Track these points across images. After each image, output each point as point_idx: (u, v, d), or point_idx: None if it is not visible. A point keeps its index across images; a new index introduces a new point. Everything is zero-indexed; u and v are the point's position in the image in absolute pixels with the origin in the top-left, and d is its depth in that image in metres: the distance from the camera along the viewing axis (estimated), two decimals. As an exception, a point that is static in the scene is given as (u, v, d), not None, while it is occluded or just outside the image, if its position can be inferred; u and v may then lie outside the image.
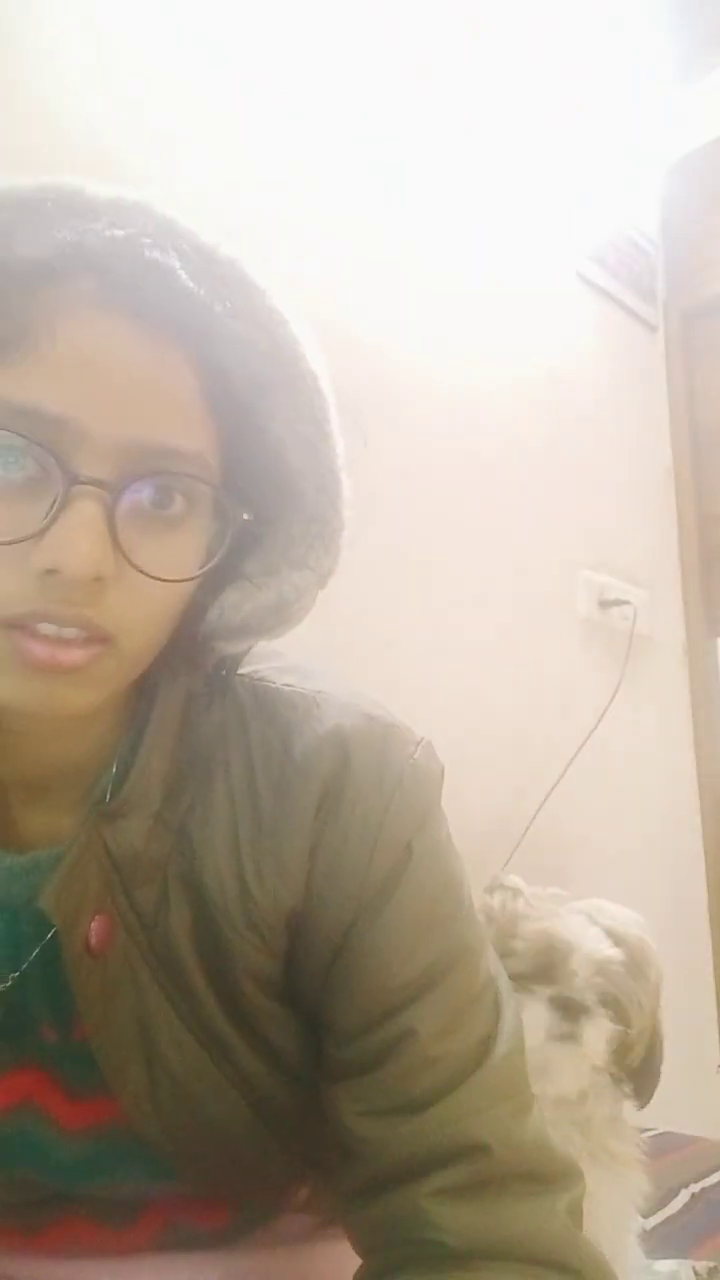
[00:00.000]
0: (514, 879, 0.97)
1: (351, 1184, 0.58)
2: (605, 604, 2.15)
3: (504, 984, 0.63)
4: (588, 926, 0.92)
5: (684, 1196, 1.23)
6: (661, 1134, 1.47)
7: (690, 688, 2.39)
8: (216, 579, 0.56)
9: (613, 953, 0.90)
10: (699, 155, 2.56)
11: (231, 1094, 0.60)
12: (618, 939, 0.92)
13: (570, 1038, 0.88)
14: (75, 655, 0.47)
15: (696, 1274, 1.01)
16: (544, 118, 2.17)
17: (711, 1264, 1.03)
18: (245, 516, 0.53)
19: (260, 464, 0.55)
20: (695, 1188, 1.25)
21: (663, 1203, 1.19)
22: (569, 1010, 0.88)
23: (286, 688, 0.63)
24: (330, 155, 1.68)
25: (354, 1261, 0.58)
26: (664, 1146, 1.41)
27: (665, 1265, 1.02)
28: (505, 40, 2.09)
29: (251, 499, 0.55)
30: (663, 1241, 1.08)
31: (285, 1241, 0.72)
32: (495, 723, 1.80)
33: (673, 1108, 1.79)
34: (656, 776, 2.26)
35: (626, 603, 2.16)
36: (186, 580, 0.51)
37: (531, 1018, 0.86)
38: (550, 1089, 0.87)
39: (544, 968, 0.89)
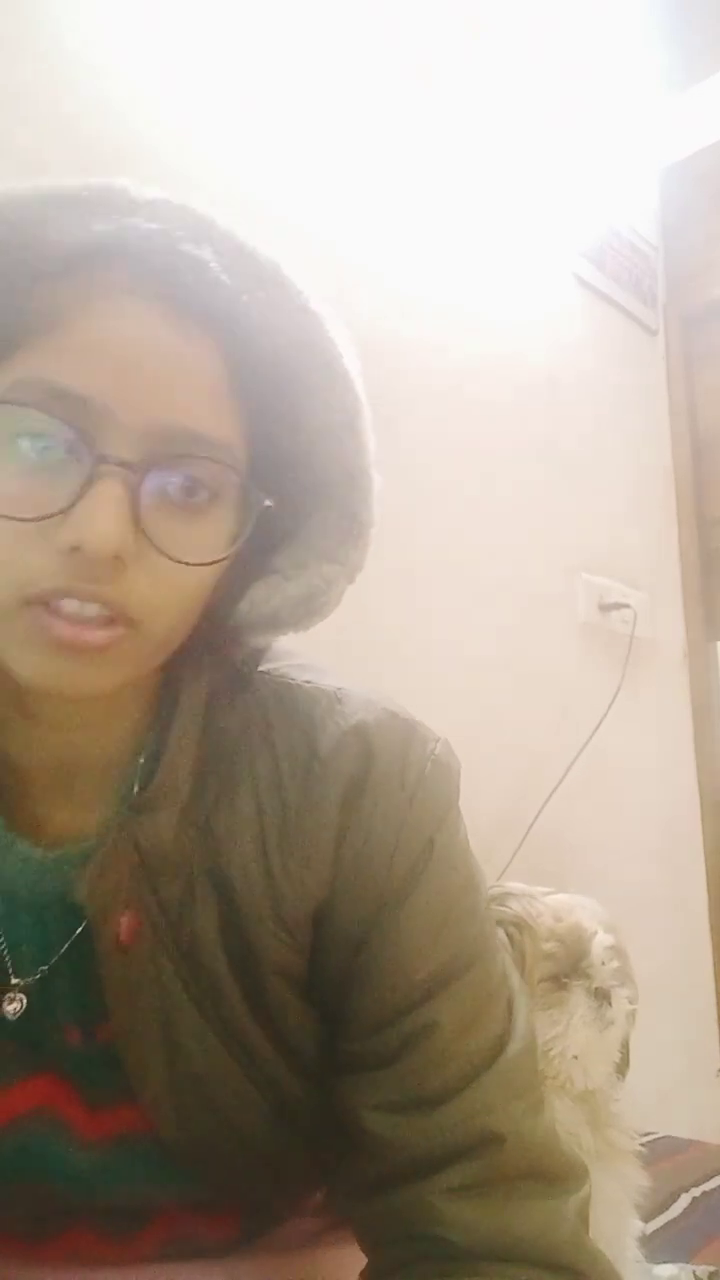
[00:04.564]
0: (516, 885, 0.99)
1: (361, 1180, 0.58)
2: (605, 607, 2.14)
3: (516, 983, 0.64)
4: (588, 914, 0.95)
5: (684, 1201, 1.22)
6: (661, 1138, 1.47)
7: (690, 691, 2.39)
8: (246, 573, 0.57)
9: (610, 936, 0.95)
10: (699, 159, 2.56)
11: (252, 1094, 0.60)
12: (600, 921, 0.97)
13: (611, 1023, 0.91)
14: (98, 635, 0.48)
15: (697, 1278, 1.01)
16: (543, 120, 2.17)
17: (712, 1268, 1.03)
18: (267, 503, 0.54)
19: (292, 459, 0.57)
20: (695, 1192, 1.25)
21: (663, 1207, 1.19)
22: (604, 997, 0.92)
23: (307, 684, 0.63)
24: (328, 156, 1.68)
25: (358, 1265, 0.58)
26: (664, 1150, 1.40)
27: (665, 1270, 1.01)
28: (505, 42, 2.09)
29: (282, 493, 0.56)
30: (663, 1246, 1.07)
31: (290, 1248, 0.72)
32: (495, 726, 1.80)
33: (673, 1111, 1.79)
34: (656, 780, 2.26)
35: (626, 606, 2.16)
36: (207, 564, 0.52)
37: (579, 1011, 0.91)
38: (584, 1083, 0.90)
39: (575, 961, 0.92)
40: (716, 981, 2.24)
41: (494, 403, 1.94)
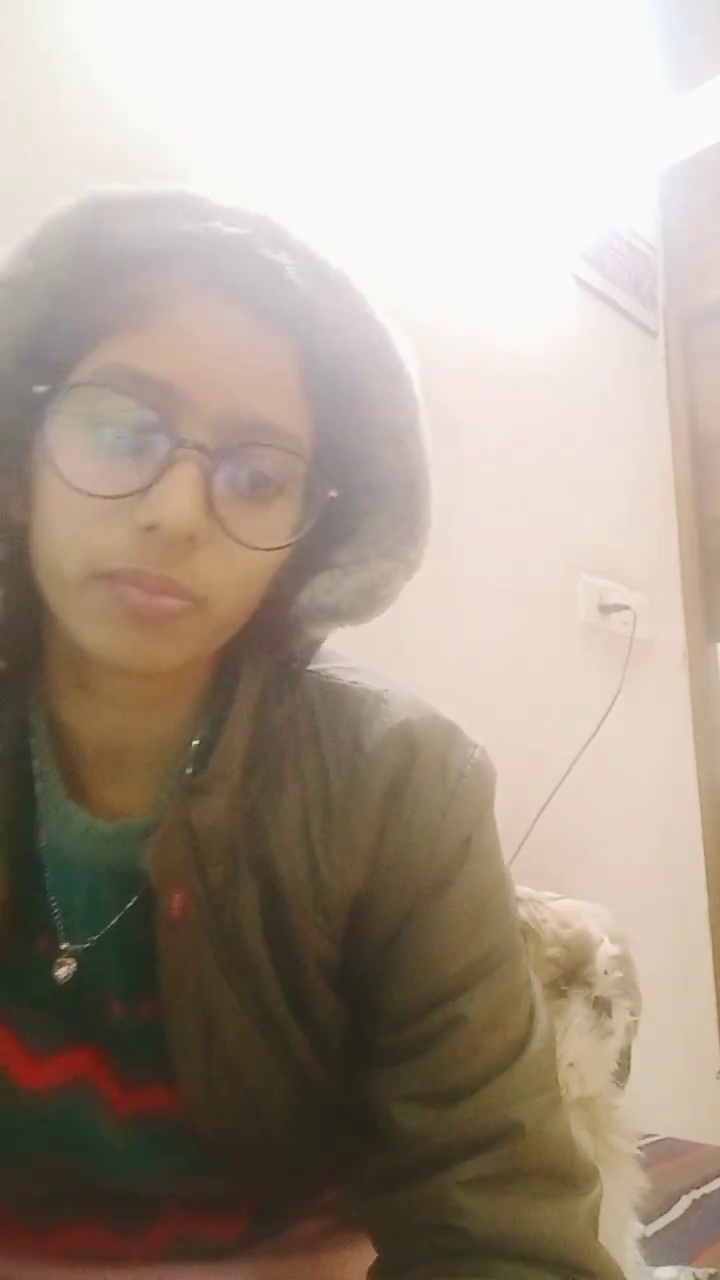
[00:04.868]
0: (523, 889, 0.98)
1: (380, 1175, 0.58)
2: (605, 609, 2.14)
3: (537, 987, 0.65)
4: (595, 923, 0.95)
5: (684, 1203, 1.22)
6: (661, 1140, 1.47)
7: (690, 692, 2.39)
8: (309, 565, 0.60)
9: (616, 946, 0.95)
10: (699, 160, 2.56)
11: (281, 1080, 0.60)
12: (606, 931, 0.96)
13: (609, 1033, 0.92)
14: (169, 603, 0.50)
15: (697, 1280, 1.01)
16: (543, 121, 2.17)
17: (712, 1271, 1.03)
18: (332, 494, 0.56)
19: (356, 458, 0.59)
20: (696, 1194, 1.25)
21: (663, 1209, 1.18)
22: (604, 1008, 0.92)
23: (354, 684, 0.66)
24: (328, 156, 1.68)
25: (362, 1266, 0.58)
26: (664, 1153, 1.40)
27: (666, 1272, 1.01)
28: (505, 43, 2.09)
29: (346, 491, 0.58)
30: (663, 1248, 1.07)
31: (293, 1250, 0.72)
32: (495, 727, 1.78)
33: (673, 1113, 1.79)
34: (656, 781, 2.25)
35: (626, 607, 2.16)
36: (273, 549, 0.53)
37: (577, 1019, 0.91)
38: (579, 1090, 0.90)
39: (577, 968, 0.93)
40: (716, 981, 2.24)
41: (494, 403, 1.94)
